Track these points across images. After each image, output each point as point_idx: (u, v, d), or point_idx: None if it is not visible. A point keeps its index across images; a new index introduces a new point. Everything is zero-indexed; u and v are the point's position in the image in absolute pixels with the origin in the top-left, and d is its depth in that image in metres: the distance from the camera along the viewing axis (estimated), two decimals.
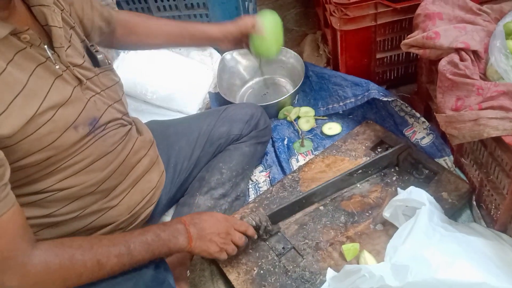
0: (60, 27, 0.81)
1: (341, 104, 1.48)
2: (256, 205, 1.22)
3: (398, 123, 1.41)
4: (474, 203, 1.14)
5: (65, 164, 0.83)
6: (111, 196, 0.95)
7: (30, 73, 0.75)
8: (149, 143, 1.08)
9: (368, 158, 1.27)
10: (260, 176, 1.39)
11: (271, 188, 1.27)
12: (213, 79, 1.67)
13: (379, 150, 1.32)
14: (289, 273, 1.05)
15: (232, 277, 1.07)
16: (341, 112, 1.50)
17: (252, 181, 1.38)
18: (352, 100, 1.44)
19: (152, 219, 1.13)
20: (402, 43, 1.16)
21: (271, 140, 1.47)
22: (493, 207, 1.05)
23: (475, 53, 1.03)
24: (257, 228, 1.07)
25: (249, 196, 1.34)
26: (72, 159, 0.84)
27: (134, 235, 0.86)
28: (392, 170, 1.23)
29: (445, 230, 0.96)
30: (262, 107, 1.37)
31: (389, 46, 1.45)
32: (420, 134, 1.36)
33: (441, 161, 1.27)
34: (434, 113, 1.07)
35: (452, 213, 1.12)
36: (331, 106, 1.51)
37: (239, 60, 1.72)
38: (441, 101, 1.02)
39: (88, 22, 1.00)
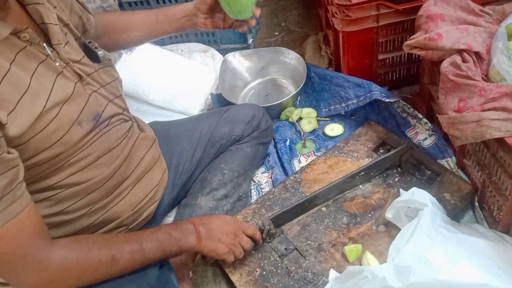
0: (56, 24, 0.82)
1: (343, 105, 1.48)
2: (259, 206, 1.22)
3: (400, 124, 1.41)
4: (477, 204, 1.14)
5: (73, 159, 0.84)
6: (116, 193, 0.96)
7: (32, 72, 0.75)
8: (151, 140, 1.09)
9: (370, 159, 1.27)
10: (262, 177, 1.39)
11: (273, 189, 1.27)
12: (215, 80, 1.67)
13: (381, 151, 1.32)
14: (292, 274, 1.05)
15: (234, 278, 1.07)
16: (343, 113, 1.50)
17: (254, 182, 1.38)
18: (354, 101, 1.44)
19: (155, 219, 1.13)
20: (404, 44, 1.16)
21: (273, 141, 1.47)
22: (496, 208, 1.05)
23: (477, 54, 1.03)
24: (260, 231, 1.07)
25: (251, 197, 1.34)
26: (79, 154, 0.84)
27: (146, 233, 0.88)
28: (394, 171, 1.23)
29: (447, 231, 0.96)
30: (263, 108, 1.38)
31: (391, 47, 1.45)
32: (422, 135, 1.36)
33: (443, 162, 1.27)
34: (437, 114, 1.07)
35: (455, 214, 1.12)
36: (333, 107, 1.51)
37: (241, 61, 1.72)
38: (443, 102, 1.02)
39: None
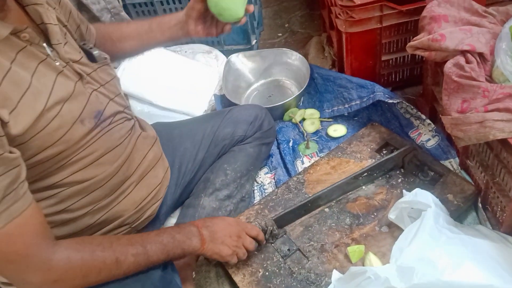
0: (55, 24, 0.83)
1: (346, 106, 1.48)
2: (262, 206, 1.22)
3: (403, 125, 1.41)
4: (480, 205, 1.14)
5: (75, 158, 0.84)
6: (119, 191, 0.97)
7: (33, 71, 0.76)
8: (152, 139, 1.09)
9: (373, 160, 1.27)
10: (265, 178, 1.39)
11: (276, 190, 1.27)
12: (218, 81, 1.68)
13: (384, 152, 1.32)
14: (294, 275, 1.05)
15: (237, 278, 1.07)
16: (346, 114, 1.50)
17: (257, 182, 1.38)
18: (358, 102, 1.44)
19: (158, 220, 1.13)
20: (407, 45, 1.16)
21: (276, 142, 1.47)
22: (499, 209, 1.05)
23: (480, 55, 1.03)
24: (263, 232, 1.07)
25: (254, 197, 1.34)
26: (81, 153, 0.85)
27: (150, 236, 0.88)
28: (398, 172, 1.23)
29: (450, 232, 0.96)
30: (266, 109, 1.38)
31: (395, 48, 1.45)
32: (425, 136, 1.36)
33: (446, 163, 1.26)
34: (440, 115, 1.07)
35: (458, 215, 1.12)
36: (336, 108, 1.51)
37: (245, 62, 1.72)
38: (446, 103, 1.02)
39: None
